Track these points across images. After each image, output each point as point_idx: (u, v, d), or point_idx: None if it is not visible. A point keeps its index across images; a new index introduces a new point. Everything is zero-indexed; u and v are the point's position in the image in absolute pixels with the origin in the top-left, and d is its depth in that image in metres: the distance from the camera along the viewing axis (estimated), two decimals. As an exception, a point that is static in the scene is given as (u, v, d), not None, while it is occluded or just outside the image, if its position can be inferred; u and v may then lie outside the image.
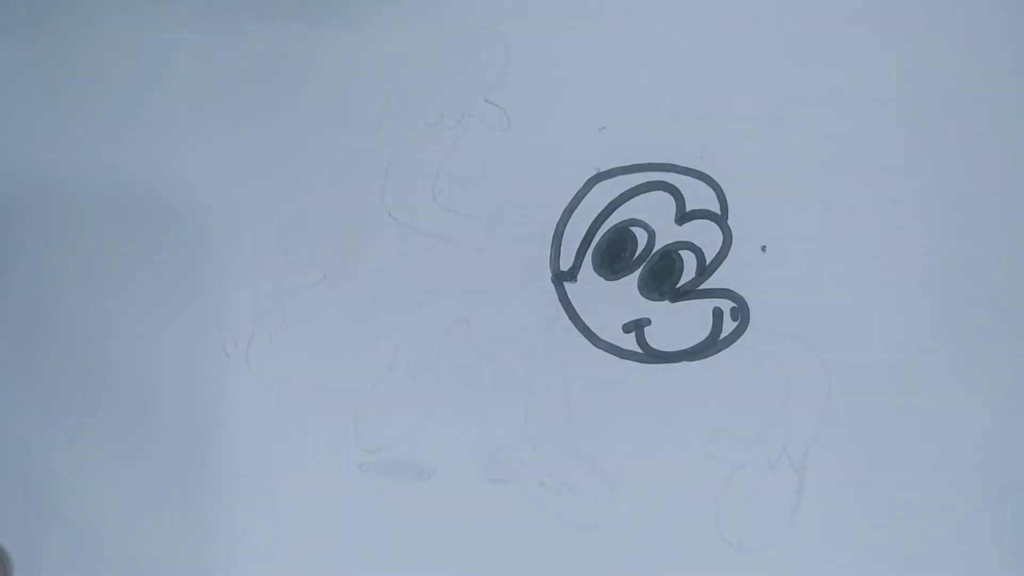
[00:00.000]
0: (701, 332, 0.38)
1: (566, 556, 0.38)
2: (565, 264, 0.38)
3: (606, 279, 0.38)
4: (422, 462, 0.37)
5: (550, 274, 0.38)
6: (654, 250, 0.38)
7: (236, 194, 0.38)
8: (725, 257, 0.38)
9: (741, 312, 0.38)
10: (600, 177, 0.38)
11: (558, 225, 0.38)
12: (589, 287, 0.38)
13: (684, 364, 0.38)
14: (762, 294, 0.38)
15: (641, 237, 0.38)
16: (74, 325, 0.38)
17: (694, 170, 0.38)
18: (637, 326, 0.38)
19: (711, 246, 0.38)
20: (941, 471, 0.37)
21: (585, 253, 0.38)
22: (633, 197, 0.38)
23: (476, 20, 0.39)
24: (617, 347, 0.37)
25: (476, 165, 0.38)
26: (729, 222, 0.38)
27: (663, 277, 0.38)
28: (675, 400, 0.38)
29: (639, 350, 0.38)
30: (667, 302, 0.38)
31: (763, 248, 0.38)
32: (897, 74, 0.38)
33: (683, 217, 0.38)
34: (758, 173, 0.38)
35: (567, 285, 0.38)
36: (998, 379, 0.38)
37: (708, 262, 0.38)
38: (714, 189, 0.38)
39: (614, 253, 0.38)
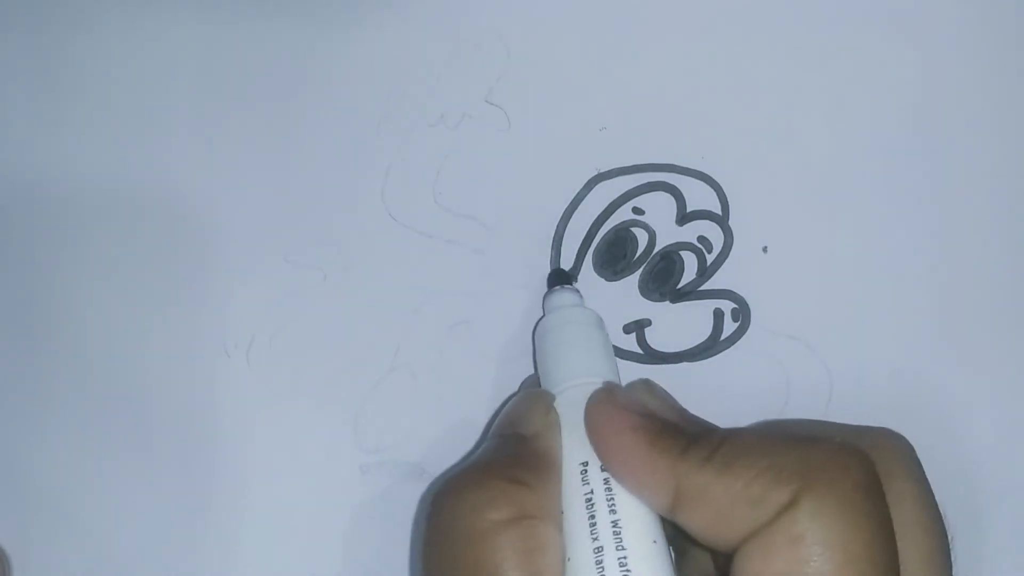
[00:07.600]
0: (702, 333, 0.38)
1: (567, 556, 0.38)
2: (566, 264, 0.38)
3: (607, 280, 0.38)
4: (423, 463, 0.37)
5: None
6: (655, 251, 0.38)
7: (236, 194, 0.38)
8: (726, 258, 0.38)
9: (742, 313, 0.38)
10: (600, 178, 0.38)
11: (558, 226, 0.38)
12: (589, 288, 0.38)
13: (684, 365, 0.38)
14: (763, 295, 0.38)
15: (641, 238, 0.38)
16: (74, 325, 0.38)
17: (695, 170, 0.38)
18: (638, 327, 0.38)
19: (712, 247, 0.38)
20: (940, 472, 0.37)
21: (585, 254, 0.38)
22: (634, 198, 0.38)
23: (476, 20, 0.39)
24: (618, 348, 0.37)
25: (477, 166, 0.38)
26: (730, 223, 0.38)
27: (664, 278, 0.38)
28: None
29: (639, 351, 0.38)
30: (668, 303, 0.38)
31: (764, 249, 0.38)
32: (898, 74, 0.38)
33: (684, 218, 0.38)
34: (759, 173, 0.38)
35: (568, 286, 0.38)
36: (998, 380, 0.38)
37: (709, 263, 0.38)
38: (715, 190, 0.38)
39: (614, 254, 0.38)
